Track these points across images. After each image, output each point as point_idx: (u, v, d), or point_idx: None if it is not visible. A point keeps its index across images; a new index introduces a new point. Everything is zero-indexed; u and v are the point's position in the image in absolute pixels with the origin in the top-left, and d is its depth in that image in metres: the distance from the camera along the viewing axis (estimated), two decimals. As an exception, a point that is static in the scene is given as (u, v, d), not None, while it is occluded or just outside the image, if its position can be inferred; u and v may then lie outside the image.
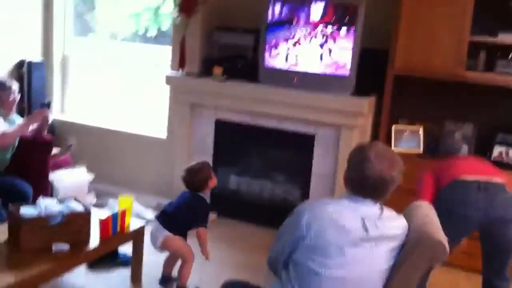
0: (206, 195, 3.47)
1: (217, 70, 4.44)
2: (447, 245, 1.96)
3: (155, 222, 3.36)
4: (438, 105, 4.29)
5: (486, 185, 2.68)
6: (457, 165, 2.95)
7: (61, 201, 3.14)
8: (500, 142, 3.97)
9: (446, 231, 2.20)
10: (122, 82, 5.36)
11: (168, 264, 3.51)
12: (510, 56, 3.91)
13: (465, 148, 4.16)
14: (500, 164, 3.80)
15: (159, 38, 5.22)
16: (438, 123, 4.25)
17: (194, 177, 3.36)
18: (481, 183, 2.69)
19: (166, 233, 3.27)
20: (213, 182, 3.43)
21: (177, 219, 3.32)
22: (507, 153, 3.95)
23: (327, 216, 1.99)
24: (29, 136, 3.97)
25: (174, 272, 3.51)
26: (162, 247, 3.32)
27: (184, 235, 3.36)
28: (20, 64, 5.07)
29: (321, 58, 4.11)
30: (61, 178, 3.98)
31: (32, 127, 3.95)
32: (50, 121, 4.04)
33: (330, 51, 4.08)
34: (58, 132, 5.23)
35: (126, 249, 3.56)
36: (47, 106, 4.03)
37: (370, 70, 4.14)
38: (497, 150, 3.95)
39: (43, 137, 4.02)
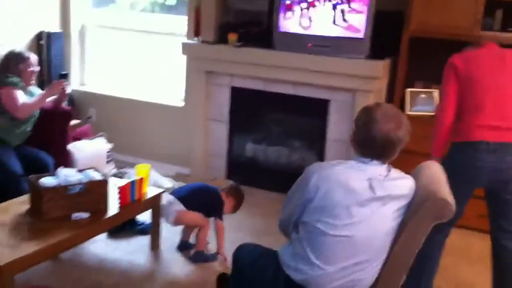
0: None
1: (232, 36, 4.44)
2: (452, 203, 1.97)
3: (168, 197, 3.43)
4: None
5: (496, 146, 2.64)
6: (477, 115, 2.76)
7: (80, 170, 3.21)
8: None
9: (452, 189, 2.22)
10: (140, 52, 5.38)
11: (187, 229, 3.58)
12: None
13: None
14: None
15: (179, 7, 5.21)
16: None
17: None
18: (490, 144, 2.65)
19: (178, 207, 3.35)
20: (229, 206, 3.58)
21: (192, 197, 3.42)
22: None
23: (335, 177, 2.02)
24: (49, 108, 4.03)
25: (192, 239, 3.59)
26: (176, 222, 3.40)
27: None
28: (39, 35, 5.12)
29: (334, 21, 4.08)
30: (80, 148, 4.05)
31: (51, 98, 4.01)
32: (68, 91, 4.07)
33: (343, 13, 4.04)
34: (77, 103, 5.31)
35: (144, 217, 3.64)
36: (65, 77, 4.06)
37: (385, 33, 4.09)
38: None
39: (62, 108, 4.09)
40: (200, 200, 3.44)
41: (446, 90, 2.86)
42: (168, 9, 5.30)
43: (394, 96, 4.18)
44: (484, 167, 2.65)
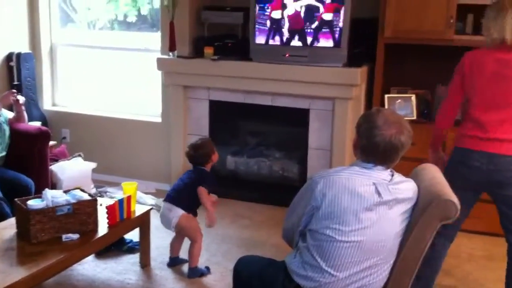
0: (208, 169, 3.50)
1: (208, 50, 4.44)
2: (457, 203, 2.00)
3: (165, 204, 3.40)
4: (429, 71, 4.33)
5: (489, 154, 2.70)
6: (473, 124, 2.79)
7: (66, 191, 3.15)
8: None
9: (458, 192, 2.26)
10: (114, 69, 5.33)
11: (175, 246, 3.54)
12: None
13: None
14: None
15: (139, 23, 5.20)
16: (430, 88, 4.31)
17: (197, 151, 3.42)
18: (485, 153, 2.70)
19: (180, 211, 3.32)
20: (216, 156, 3.49)
21: (183, 195, 3.37)
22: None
23: (340, 183, 2.03)
24: (18, 128, 3.95)
25: (181, 254, 3.55)
26: (177, 226, 3.35)
27: (194, 213, 3.42)
28: (9, 56, 5.01)
29: (312, 30, 4.12)
30: (63, 168, 3.97)
31: (11, 115, 3.95)
32: (21, 101, 4.01)
33: (320, 22, 4.09)
34: (50, 124, 5.20)
35: (130, 235, 3.58)
36: (15, 88, 4.02)
37: (361, 40, 4.17)
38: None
39: (40, 128, 4.01)
40: (193, 188, 3.38)
41: (449, 92, 2.91)
42: (128, 26, 5.27)
43: (373, 102, 4.24)
44: (475, 167, 2.72)
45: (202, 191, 3.37)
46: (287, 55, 4.21)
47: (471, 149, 2.75)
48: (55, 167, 4.01)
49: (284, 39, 4.22)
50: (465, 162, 2.77)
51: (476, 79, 2.76)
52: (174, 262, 3.53)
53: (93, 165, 4.23)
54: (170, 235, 3.89)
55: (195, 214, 3.43)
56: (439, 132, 3.00)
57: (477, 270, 3.58)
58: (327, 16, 4.06)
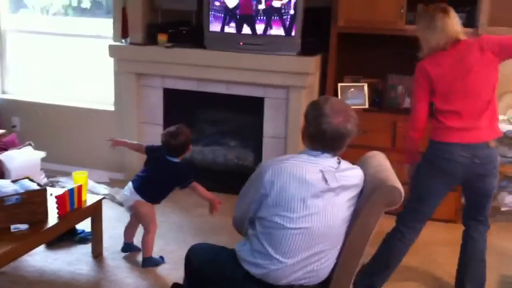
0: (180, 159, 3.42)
1: (162, 37, 4.40)
2: (401, 189, 2.06)
3: (130, 185, 3.34)
4: (380, 60, 4.40)
5: (470, 146, 2.76)
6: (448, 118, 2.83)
7: (14, 181, 3.08)
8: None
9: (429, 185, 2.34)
10: (65, 56, 5.21)
11: (129, 231, 3.52)
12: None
13: (407, 101, 4.32)
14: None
15: (93, 9, 5.11)
16: (382, 77, 4.39)
17: (177, 139, 3.31)
18: (465, 145, 2.76)
19: (137, 197, 3.30)
20: (190, 146, 3.42)
21: (150, 188, 3.33)
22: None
23: (288, 171, 2.05)
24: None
25: (136, 242, 3.53)
26: (132, 209, 3.34)
27: (157, 202, 3.40)
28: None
29: (266, 19, 4.12)
30: (11, 158, 3.88)
31: None
32: None
33: (270, 8, 4.09)
34: (0, 112, 5.07)
35: (82, 225, 3.53)
36: None
37: (314, 29, 4.19)
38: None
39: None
40: (159, 187, 3.35)
41: (416, 98, 2.90)
42: (82, 11, 5.17)
43: (326, 91, 4.29)
44: (457, 161, 2.77)
45: (196, 185, 3.32)
46: (241, 43, 4.20)
47: (452, 142, 2.78)
48: (3, 156, 3.91)
49: (238, 27, 4.21)
50: (445, 156, 2.80)
51: (442, 82, 2.80)
52: (127, 248, 3.51)
53: (42, 154, 4.14)
54: (123, 224, 3.86)
55: (156, 203, 3.40)
56: (415, 146, 2.98)
57: (436, 254, 3.68)
58: (276, 3, 4.07)
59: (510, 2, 3.83)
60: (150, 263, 3.37)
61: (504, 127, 3.91)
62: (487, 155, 2.78)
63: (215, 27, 4.26)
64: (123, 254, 3.50)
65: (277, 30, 4.12)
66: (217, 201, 3.33)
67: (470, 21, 3.95)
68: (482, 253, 2.98)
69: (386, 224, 3.73)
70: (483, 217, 2.97)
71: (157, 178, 3.33)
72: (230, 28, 4.23)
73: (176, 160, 3.35)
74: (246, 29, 4.20)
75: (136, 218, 3.43)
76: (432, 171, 2.84)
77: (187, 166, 3.48)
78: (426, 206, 2.92)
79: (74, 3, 5.20)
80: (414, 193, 2.93)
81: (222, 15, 4.21)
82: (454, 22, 2.81)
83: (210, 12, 4.23)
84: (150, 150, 3.44)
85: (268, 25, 4.13)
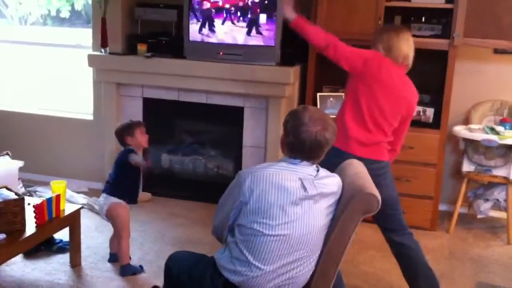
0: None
1: (142, 47, 4.41)
2: (378, 196, 2.09)
3: (102, 193, 3.39)
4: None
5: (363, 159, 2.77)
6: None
7: (-9, 190, 3.05)
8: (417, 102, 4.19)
9: None
10: (42, 66, 5.19)
11: (114, 241, 3.50)
12: (423, 19, 4.12)
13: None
14: (418, 123, 4.07)
15: (72, 19, 5.10)
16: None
17: (116, 133, 3.46)
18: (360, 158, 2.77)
19: (112, 200, 3.32)
20: (133, 140, 3.39)
21: (110, 180, 3.37)
22: (424, 112, 4.19)
23: (267, 178, 2.07)
24: None
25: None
26: (107, 215, 3.35)
27: (132, 200, 3.42)
28: None
29: (248, 29, 4.16)
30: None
31: None
32: None
33: (253, 21, 4.13)
34: (-24, 122, 5.02)
35: (60, 235, 3.51)
36: None
37: (294, 40, 4.22)
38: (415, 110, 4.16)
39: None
40: (115, 174, 3.38)
41: (348, 51, 3.02)
42: (61, 21, 5.16)
43: (306, 100, 4.33)
44: None
45: (133, 156, 3.34)
46: (221, 53, 4.23)
47: (355, 155, 2.82)
48: (-20, 166, 3.87)
49: (217, 37, 4.24)
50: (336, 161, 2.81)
51: (376, 80, 2.89)
52: (114, 258, 3.50)
53: (20, 163, 4.10)
54: (101, 234, 3.86)
55: (131, 201, 3.41)
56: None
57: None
58: (260, 16, 4.11)
59: (484, 14, 3.91)
60: (128, 270, 3.35)
61: (479, 135, 3.99)
62: (375, 168, 2.81)
63: (194, 37, 4.28)
64: (102, 264, 3.47)
65: (256, 40, 4.16)
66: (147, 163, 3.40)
67: (446, 33, 4.04)
68: (422, 260, 2.97)
69: (368, 232, 3.81)
70: (398, 226, 2.98)
71: (115, 172, 3.39)
72: (210, 38, 4.25)
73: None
74: (227, 40, 4.22)
75: (111, 223, 3.41)
76: None
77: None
78: None
79: (53, 13, 5.19)
80: None
81: (200, 24, 4.23)
82: (412, 48, 2.97)
83: (190, 23, 4.25)
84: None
85: (248, 34, 4.16)
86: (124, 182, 3.38)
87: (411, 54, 2.95)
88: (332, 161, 2.44)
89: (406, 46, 2.93)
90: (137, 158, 3.34)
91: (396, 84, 2.91)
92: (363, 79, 2.91)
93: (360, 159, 2.63)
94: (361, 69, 2.92)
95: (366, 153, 2.87)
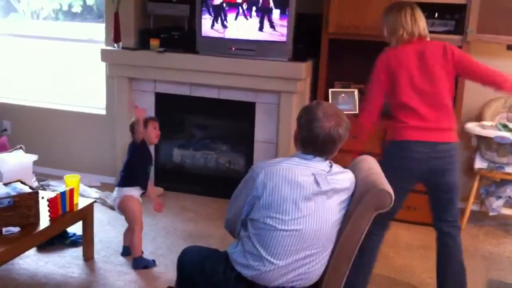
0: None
1: (154, 42, 4.41)
2: (392, 193, 2.09)
3: (116, 187, 3.46)
4: (370, 66, 4.40)
5: (428, 142, 2.79)
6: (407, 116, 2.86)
7: (6, 184, 3.08)
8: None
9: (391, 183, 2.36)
10: (57, 60, 5.22)
11: (128, 234, 3.53)
12: (436, 15, 4.09)
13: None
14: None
15: (84, 13, 5.13)
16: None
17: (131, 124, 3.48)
18: (424, 142, 2.78)
19: (124, 192, 3.37)
20: (145, 133, 3.42)
21: (126, 168, 3.43)
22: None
23: (281, 173, 2.08)
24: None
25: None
26: (119, 208, 3.40)
27: (144, 187, 3.46)
28: None
29: (260, 24, 4.16)
30: (3, 161, 3.87)
31: None
32: None
33: (265, 16, 4.13)
34: (-10, 116, 5.07)
35: (74, 228, 3.53)
36: None
37: (306, 35, 4.24)
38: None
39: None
40: (128, 162, 3.44)
41: (372, 88, 2.95)
42: (73, 16, 5.19)
43: (317, 96, 4.33)
44: (419, 158, 2.80)
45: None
46: (233, 48, 4.24)
47: (413, 140, 2.81)
48: (-5, 160, 3.91)
49: (230, 32, 4.24)
50: (406, 154, 2.82)
51: (403, 73, 2.84)
52: (127, 251, 3.52)
53: (34, 157, 4.13)
54: (114, 228, 3.89)
55: (143, 189, 3.46)
56: (365, 131, 3.04)
57: (414, 259, 3.71)
58: (273, 12, 4.11)
59: (498, 10, 3.89)
60: (140, 264, 3.38)
61: (491, 132, 3.96)
62: (447, 149, 2.81)
63: (207, 32, 4.28)
64: (114, 258, 3.50)
65: (269, 36, 4.15)
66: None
67: (459, 28, 4.01)
68: (459, 257, 2.98)
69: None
70: (450, 216, 2.96)
71: (127, 165, 3.45)
72: (222, 34, 4.25)
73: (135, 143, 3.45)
74: (240, 35, 4.22)
75: (124, 216, 3.44)
76: (394, 169, 2.79)
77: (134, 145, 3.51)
78: None
79: (65, 8, 5.22)
80: None
81: (213, 18, 4.23)
82: (421, 18, 2.90)
83: (202, 18, 4.25)
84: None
85: (261, 29, 4.16)
86: (134, 169, 3.42)
87: (417, 28, 2.87)
88: (397, 155, 2.66)
89: (411, 22, 2.86)
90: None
91: (416, 62, 2.84)
92: (392, 78, 2.88)
93: (422, 143, 2.70)
94: (389, 80, 2.88)
95: (428, 137, 2.81)
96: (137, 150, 3.43)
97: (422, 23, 2.90)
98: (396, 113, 2.90)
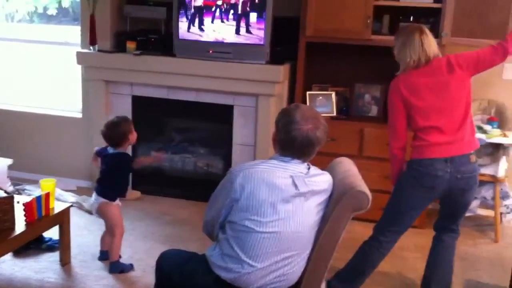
0: (125, 149, 3.39)
1: (131, 44, 4.39)
2: (369, 194, 2.10)
3: (93, 192, 3.39)
4: (348, 69, 4.49)
5: (451, 159, 2.80)
6: (428, 134, 2.85)
7: (-20, 188, 3.04)
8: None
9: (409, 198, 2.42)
10: (31, 63, 5.16)
11: (105, 239, 3.49)
12: (411, 18, 4.14)
13: (374, 109, 4.43)
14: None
15: (59, 16, 5.08)
16: (349, 86, 4.47)
17: (113, 130, 3.28)
18: (447, 158, 2.80)
19: (101, 199, 3.31)
20: (133, 136, 3.36)
21: (104, 183, 3.34)
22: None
23: (259, 175, 2.09)
24: None
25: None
26: (98, 212, 3.35)
27: (113, 198, 3.38)
28: None
29: (237, 27, 4.16)
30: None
31: None
32: None
33: (242, 19, 4.14)
34: (-37, 120, 4.98)
35: (50, 233, 3.50)
36: None
37: (283, 38, 4.25)
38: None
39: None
40: (117, 178, 3.36)
41: (393, 117, 2.94)
42: (48, 19, 5.14)
43: (295, 99, 4.34)
44: (442, 176, 2.81)
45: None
46: (210, 51, 4.23)
47: (435, 157, 2.81)
48: (-32, 164, 3.85)
49: (207, 35, 4.24)
50: (428, 171, 2.82)
51: (417, 100, 2.84)
52: (104, 256, 3.49)
53: (9, 161, 4.08)
54: (90, 232, 3.85)
55: (114, 198, 3.38)
56: (398, 161, 3.01)
57: (415, 259, 3.75)
58: (250, 15, 4.11)
59: (472, 13, 3.95)
60: (116, 268, 3.35)
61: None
62: (469, 170, 2.84)
63: (184, 35, 4.27)
64: (92, 262, 3.47)
65: (246, 39, 4.16)
66: None
67: (434, 32, 4.06)
68: (451, 257, 3.06)
69: (360, 230, 3.82)
70: (456, 226, 3.07)
71: (108, 175, 3.33)
72: (199, 36, 4.25)
73: (121, 150, 3.33)
74: (217, 37, 4.22)
75: (104, 221, 3.41)
76: (415, 187, 2.87)
77: (129, 157, 3.51)
78: (406, 218, 2.96)
79: (40, 10, 5.16)
80: (396, 206, 2.97)
81: (189, 21, 4.22)
82: (431, 42, 2.89)
83: (179, 20, 4.24)
84: (99, 152, 3.41)
85: (237, 32, 4.17)
86: (120, 185, 3.38)
87: (425, 55, 2.85)
88: (419, 172, 2.78)
89: (418, 49, 2.85)
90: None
91: (427, 84, 2.84)
92: (408, 105, 2.88)
93: (445, 161, 2.77)
94: (405, 107, 2.89)
95: (449, 152, 2.82)
96: (128, 162, 3.39)
97: (430, 48, 2.86)
98: (416, 132, 2.91)
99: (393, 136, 2.97)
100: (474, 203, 4.23)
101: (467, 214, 4.21)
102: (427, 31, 2.93)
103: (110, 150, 3.33)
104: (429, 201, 2.96)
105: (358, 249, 3.09)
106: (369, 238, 3.08)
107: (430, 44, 2.88)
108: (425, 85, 2.85)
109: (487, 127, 4.05)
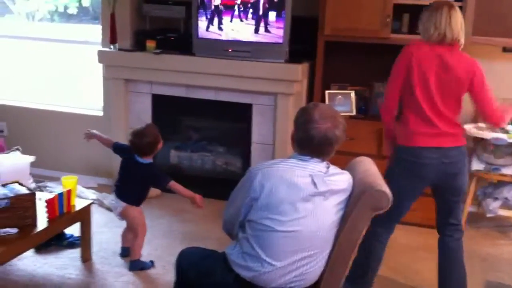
0: (151, 158, 3.40)
1: (150, 43, 4.42)
2: (389, 193, 2.10)
3: (113, 194, 3.42)
4: (366, 68, 4.46)
5: (438, 148, 2.80)
6: (415, 123, 2.85)
7: (3, 185, 3.08)
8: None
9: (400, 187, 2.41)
10: (54, 62, 5.22)
11: (126, 236, 3.53)
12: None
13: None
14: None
15: (80, 15, 5.13)
16: (368, 85, 4.45)
17: (142, 140, 3.27)
18: (434, 148, 2.79)
19: (124, 204, 3.33)
20: (161, 145, 3.39)
21: (129, 191, 3.37)
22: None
23: (278, 174, 2.09)
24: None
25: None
26: (121, 215, 3.38)
27: (138, 203, 3.41)
28: None
29: (256, 26, 4.17)
30: (0, 162, 3.87)
31: None
32: None
33: (261, 18, 4.15)
34: (-14, 118, 5.06)
35: (71, 230, 3.54)
36: None
37: (302, 38, 4.25)
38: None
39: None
40: (138, 186, 3.38)
41: (391, 84, 2.89)
42: (68, 18, 5.19)
43: (314, 98, 4.34)
44: (430, 164, 2.81)
45: (174, 185, 3.34)
46: (229, 50, 4.25)
47: (422, 146, 2.81)
48: (-9, 161, 3.90)
49: (227, 34, 4.25)
50: (416, 160, 2.82)
51: (421, 73, 2.78)
52: (125, 252, 3.52)
53: (31, 158, 4.12)
54: (110, 229, 3.89)
55: (138, 204, 3.41)
56: (388, 125, 3.02)
57: (414, 260, 3.72)
58: (269, 14, 4.12)
59: (493, 12, 3.91)
60: (136, 266, 3.38)
61: (487, 134, 3.98)
62: (455, 155, 2.83)
63: (203, 34, 4.29)
64: (112, 259, 3.51)
65: (265, 38, 4.17)
66: (197, 197, 3.32)
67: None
68: (461, 260, 3.01)
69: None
70: (455, 220, 2.99)
71: (132, 182, 3.35)
72: (218, 35, 4.26)
73: (147, 161, 3.34)
74: (236, 36, 4.23)
75: (126, 221, 3.45)
76: (403, 175, 2.85)
77: (157, 167, 3.49)
78: (400, 207, 2.88)
79: (61, 9, 5.22)
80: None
81: (209, 20, 4.24)
82: (457, 21, 2.79)
83: (198, 19, 4.26)
84: (118, 148, 3.45)
85: (256, 31, 4.18)
86: (143, 192, 3.43)
87: (451, 31, 2.76)
88: (407, 160, 2.75)
89: (445, 22, 2.75)
90: (183, 189, 3.35)
91: (435, 68, 2.78)
92: (409, 75, 2.83)
93: (433, 149, 2.76)
94: (406, 76, 2.84)
95: (438, 143, 2.81)
96: (155, 176, 3.39)
97: (457, 26, 2.78)
98: (406, 115, 2.88)
99: (385, 103, 2.96)
100: (495, 204, 4.18)
101: (488, 215, 4.19)
102: (458, 8, 2.84)
103: (138, 157, 3.33)
104: (419, 190, 2.93)
105: (358, 247, 3.07)
106: (367, 232, 3.05)
107: (457, 22, 2.78)
108: (433, 68, 2.77)
109: (509, 127, 4.00)
